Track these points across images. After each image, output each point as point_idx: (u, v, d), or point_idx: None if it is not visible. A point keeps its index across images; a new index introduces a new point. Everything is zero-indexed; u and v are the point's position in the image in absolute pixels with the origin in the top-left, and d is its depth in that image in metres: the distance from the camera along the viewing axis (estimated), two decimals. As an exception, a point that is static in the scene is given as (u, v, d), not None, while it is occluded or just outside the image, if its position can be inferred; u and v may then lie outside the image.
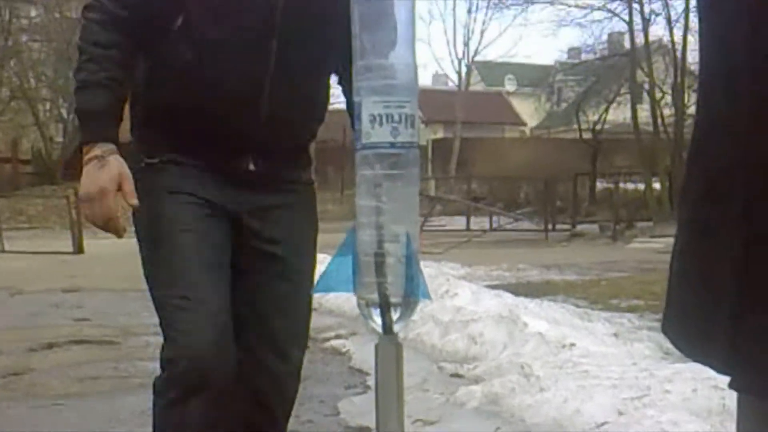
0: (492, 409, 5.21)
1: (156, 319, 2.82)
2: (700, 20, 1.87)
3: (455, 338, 7.11)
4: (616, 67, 33.56)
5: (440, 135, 42.79)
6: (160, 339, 2.82)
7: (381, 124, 2.06)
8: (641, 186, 30.11)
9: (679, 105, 28.84)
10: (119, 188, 2.61)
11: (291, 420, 3.09)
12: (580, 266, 14.93)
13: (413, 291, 2.12)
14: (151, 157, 2.84)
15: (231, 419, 2.83)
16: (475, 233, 24.31)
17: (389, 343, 2.15)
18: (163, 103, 2.84)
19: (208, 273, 2.74)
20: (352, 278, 2.15)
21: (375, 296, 2.12)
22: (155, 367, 2.84)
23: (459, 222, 27.29)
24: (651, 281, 10.38)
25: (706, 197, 1.87)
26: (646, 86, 31.40)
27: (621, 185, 29.97)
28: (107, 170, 2.59)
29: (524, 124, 51.06)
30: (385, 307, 2.12)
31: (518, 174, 33.31)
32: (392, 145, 2.08)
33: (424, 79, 48.32)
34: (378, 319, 2.14)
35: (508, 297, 8.66)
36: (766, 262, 1.77)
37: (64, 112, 39.63)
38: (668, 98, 31.05)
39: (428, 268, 12.17)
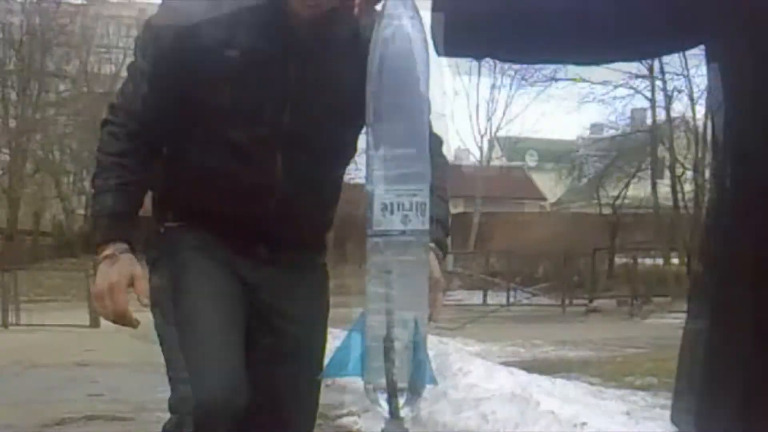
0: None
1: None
2: (712, 112, 1.90)
3: (467, 416, 7.12)
4: (638, 142, 33.68)
5: (460, 209, 42.81)
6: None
7: (392, 212, 2.08)
8: (660, 261, 30.04)
9: (699, 180, 28.88)
10: (131, 284, 2.73)
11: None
12: (595, 342, 14.91)
13: (420, 377, 2.13)
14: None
15: None
16: (492, 308, 24.28)
17: (396, 429, 2.16)
18: (177, 197, 2.94)
19: (223, 332, 2.82)
20: (361, 363, 2.16)
21: (382, 381, 2.13)
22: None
23: (476, 297, 27.27)
24: (667, 358, 10.31)
25: (717, 291, 1.88)
26: (668, 162, 31.51)
27: (639, 260, 29.93)
28: (117, 267, 2.71)
29: (544, 199, 51.03)
30: (392, 393, 2.13)
31: (537, 248, 33.27)
32: (403, 232, 2.09)
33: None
34: (385, 404, 2.15)
35: (522, 375, 8.65)
36: None
37: (86, 185, 40.00)
38: (689, 174, 31.13)
39: (443, 344, 12.20)
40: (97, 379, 10.97)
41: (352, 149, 2.94)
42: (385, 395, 2.14)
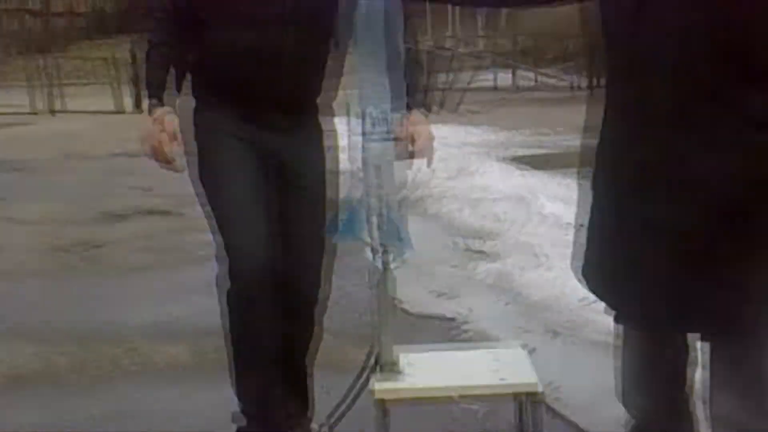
0: (504, 285, 6.01)
1: None
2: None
3: (482, 215, 7.93)
4: None
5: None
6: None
7: (378, 124, 2.92)
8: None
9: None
10: (175, 137, 3.46)
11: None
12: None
13: (402, 243, 3.04)
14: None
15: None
16: (521, 91, 24.79)
17: (387, 277, 3.07)
18: (209, 74, 3.69)
19: (251, 205, 3.59)
20: (364, 230, 3.04)
21: (378, 245, 3.00)
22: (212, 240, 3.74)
23: (507, 77, 27.69)
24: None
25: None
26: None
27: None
28: (158, 127, 3.42)
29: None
30: (383, 252, 3.03)
31: (565, 26, 33.39)
32: (387, 138, 2.97)
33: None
34: (379, 260, 3.02)
35: (533, 177, 9.42)
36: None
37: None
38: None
39: (470, 135, 12.84)
40: (145, 170, 11.38)
41: (334, 26, 3.57)
42: (379, 254, 3.00)
